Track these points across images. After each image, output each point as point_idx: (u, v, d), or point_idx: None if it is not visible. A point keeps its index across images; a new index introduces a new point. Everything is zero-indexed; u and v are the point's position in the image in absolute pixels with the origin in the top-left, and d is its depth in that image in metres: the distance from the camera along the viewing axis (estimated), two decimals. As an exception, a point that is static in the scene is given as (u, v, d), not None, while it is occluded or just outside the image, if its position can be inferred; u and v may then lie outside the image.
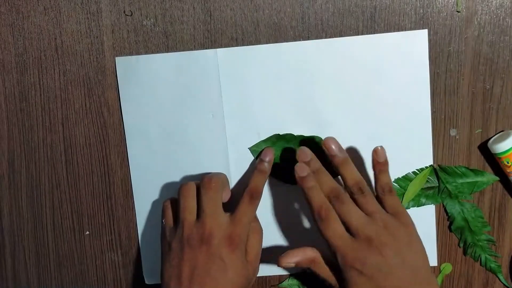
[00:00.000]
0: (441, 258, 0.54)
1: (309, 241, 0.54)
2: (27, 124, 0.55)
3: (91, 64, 0.54)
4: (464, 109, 0.52)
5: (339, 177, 0.49)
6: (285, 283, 0.55)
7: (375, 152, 0.48)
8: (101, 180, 0.56)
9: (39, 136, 0.55)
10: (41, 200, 0.56)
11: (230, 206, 0.49)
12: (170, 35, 0.53)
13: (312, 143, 0.52)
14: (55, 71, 0.54)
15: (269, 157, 0.50)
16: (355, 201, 0.47)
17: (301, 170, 0.47)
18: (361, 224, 0.45)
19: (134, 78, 0.53)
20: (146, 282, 0.56)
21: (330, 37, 0.51)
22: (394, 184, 0.53)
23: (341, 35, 0.51)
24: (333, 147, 0.48)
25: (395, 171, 0.52)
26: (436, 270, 0.54)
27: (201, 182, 0.49)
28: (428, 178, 0.52)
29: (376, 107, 0.52)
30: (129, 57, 0.53)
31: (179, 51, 0.53)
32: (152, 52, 0.53)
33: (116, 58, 0.53)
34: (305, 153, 0.49)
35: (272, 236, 0.54)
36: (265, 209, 0.54)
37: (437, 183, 0.53)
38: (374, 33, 0.51)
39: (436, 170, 0.52)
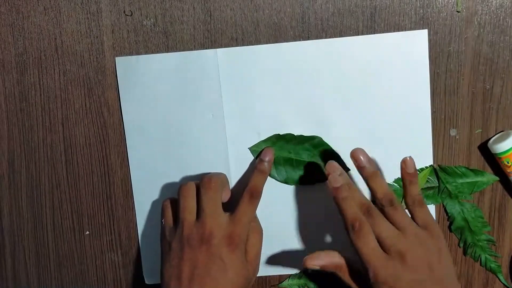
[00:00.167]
0: (441, 258, 0.54)
1: (310, 241, 0.54)
2: (27, 124, 0.55)
3: (91, 64, 0.54)
4: (464, 109, 0.52)
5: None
6: (285, 283, 0.55)
7: (404, 162, 0.47)
8: (101, 180, 0.56)
9: (39, 136, 0.55)
10: (41, 200, 0.56)
11: (230, 206, 0.49)
12: (170, 35, 0.53)
13: (312, 143, 0.52)
14: (55, 71, 0.54)
15: (269, 157, 0.50)
16: (385, 214, 0.46)
17: (335, 180, 0.46)
18: (393, 239, 0.44)
19: (134, 78, 0.53)
20: (146, 282, 0.56)
21: (330, 37, 0.51)
22: (394, 184, 0.53)
23: (341, 35, 0.51)
24: (362, 158, 0.47)
25: (395, 171, 0.52)
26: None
27: (201, 182, 0.49)
28: (428, 178, 0.52)
29: (376, 107, 0.52)
30: (129, 57, 0.53)
31: (179, 51, 0.53)
32: (152, 52, 0.53)
33: (116, 58, 0.53)
34: (334, 167, 0.48)
35: (272, 236, 0.54)
36: (264, 209, 0.54)
37: (437, 183, 0.53)
38: (374, 33, 0.51)
39: (436, 170, 0.52)
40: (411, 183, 0.47)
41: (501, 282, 0.54)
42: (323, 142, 0.52)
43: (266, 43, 0.52)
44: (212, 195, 0.48)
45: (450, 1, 0.50)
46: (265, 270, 0.55)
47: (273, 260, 0.55)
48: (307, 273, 0.55)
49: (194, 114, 0.53)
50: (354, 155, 0.47)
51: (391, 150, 0.52)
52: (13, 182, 0.56)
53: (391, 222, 0.45)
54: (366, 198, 0.47)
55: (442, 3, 0.50)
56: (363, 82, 0.51)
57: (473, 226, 0.53)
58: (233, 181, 0.54)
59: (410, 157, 0.47)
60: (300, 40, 0.52)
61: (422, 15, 0.51)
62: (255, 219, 0.52)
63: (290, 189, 0.53)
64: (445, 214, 0.53)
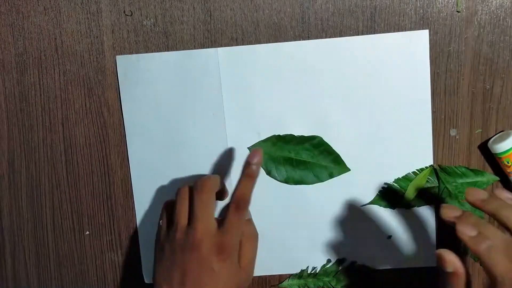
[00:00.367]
0: (441, 258, 0.54)
1: (310, 241, 0.54)
2: (27, 124, 0.55)
3: (91, 64, 0.54)
4: (464, 109, 0.52)
5: None
6: (285, 283, 0.55)
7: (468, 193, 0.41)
8: (101, 180, 0.56)
9: (39, 136, 0.55)
10: (41, 200, 0.56)
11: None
12: (170, 35, 0.53)
13: (312, 143, 0.52)
14: (55, 71, 0.54)
15: (257, 159, 0.46)
16: None
17: (466, 228, 0.39)
18: None
19: (135, 77, 0.53)
20: (146, 281, 0.56)
21: (330, 37, 0.51)
22: (394, 184, 0.53)
23: (341, 35, 0.51)
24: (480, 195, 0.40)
25: (395, 171, 0.52)
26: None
27: (194, 185, 0.48)
28: (428, 178, 0.52)
29: (376, 107, 0.52)
30: (130, 56, 0.53)
31: (179, 51, 0.53)
32: (152, 52, 0.53)
33: (116, 56, 0.53)
34: (478, 193, 0.40)
35: (272, 236, 0.54)
36: (264, 209, 0.54)
37: (437, 183, 0.53)
38: (374, 33, 0.51)
39: (436, 170, 0.52)
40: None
41: (501, 282, 0.54)
42: (323, 142, 0.52)
43: (266, 43, 0.52)
44: (204, 199, 0.47)
45: (450, 1, 0.50)
46: (265, 270, 0.55)
47: (273, 260, 0.55)
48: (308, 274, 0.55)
49: (194, 113, 0.53)
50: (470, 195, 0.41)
51: (391, 150, 0.52)
52: (13, 182, 0.56)
53: None
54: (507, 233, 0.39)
55: (442, 3, 0.50)
56: (363, 82, 0.51)
57: (473, 226, 0.53)
58: (233, 181, 0.54)
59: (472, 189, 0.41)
60: (300, 40, 0.52)
61: (422, 15, 0.51)
62: (249, 223, 0.51)
63: (290, 189, 0.53)
64: (445, 214, 0.53)
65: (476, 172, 0.52)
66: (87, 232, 0.56)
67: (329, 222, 0.54)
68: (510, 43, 0.50)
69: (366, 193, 0.53)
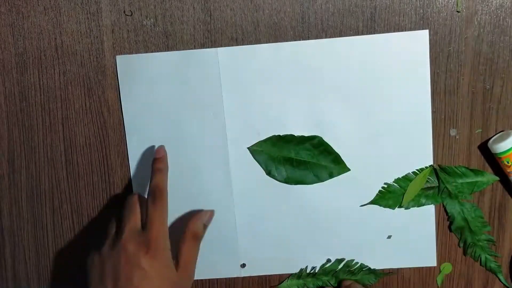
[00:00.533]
0: (441, 258, 0.54)
1: (310, 240, 0.54)
2: (27, 124, 0.55)
3: (91, 64, 0.54)
4: (464, 109, 0.52)
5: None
6: (285, 283, 0.55)
7: None
8: (101, 180, 0.56)
9: (39, 136, 0.55)
10: (41, 200, 0.56)
11: None
12: (170, 35, 0.53)
13: (312, 143, 0.52)
14: (55, 71, 0.54)
15: (161, 154, 0.51)
16: None
17: None
18: None
19: (135, 76, 0.53)
20: (146, 282, 0.56)
21: (330, 37, 0.51)
22: (394, 184, 0.53)
23: (341, 35, 0.51)
24: None
25: (395, 171, 0.52)
26: (436, 270, 0.54)
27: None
28: (428, 178, 0.52)
29: (376, 107, 0.52)
30: (130, 55, 0.53)
31: (179, 51, 0.53)
32: (152, 52, 0.53)
33: (116, 56, 0.53)
34: None
35: (272, 236, 0.54)
36: (264, 209, 0.54)
37: (437, 183, 0.53)
38: (374, 33, 0.51)
39: (436, 170, 0.52)
40: None
41: (501, 282, 0.54)
42: (323, 142, 0.52)
43: (266, 43, 0.52)
44: (130, 203, 0.49)
45: (450, 1, 0.50)
46: (265, 270, 0.55)
47: (273, 260, 0.55)
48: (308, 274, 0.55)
49: (194, 113, 0.53)
50: None
51: (391, 150, 0.52)
52: (13, 182, 0.56)
53: None
54: None
55: (442, 3, 0.50)
56: (363, 82, 0.51)
57: (473, 226, 0.53)
58: (233, 181, 0.54)
59: None
60: (300, 40, 0.52)
61: (422, 15, 0.51)
62: (192, 223, 0.50)
63: (290, 189, 0.53)
64: (445, 214, 0.53)
65: (476, 172, 0.52)
66: (87, 232, 0.56)
67: (329, 222, 0.54)
68: (510, 43, 0.50)
69: (366, 193, 0.53)
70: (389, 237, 0.53)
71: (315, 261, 0.54)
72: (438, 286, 0.54)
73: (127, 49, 0.53)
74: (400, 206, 0.53)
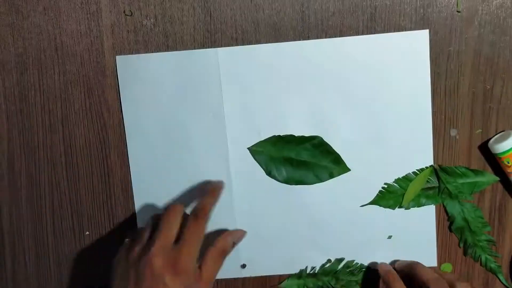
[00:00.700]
0: (441, 258, 0.54)
1: (311, 240, 0.54)
2: (27, 124, 0.55)
3: (91, 64, 0.54)
4: (464, 109, 0.52)
5: None
6: (284, 283, 0.55)
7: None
8: (101, 180, 0.56)
9: (39, 136, 0.55)
10: (41, 201, 0.56)
11: None
12: (170, 35, 0.53)
13: (313, 143, 0.52)
14: (55, 71, 0.54)
15: (222, 186, 0.52)
16: None
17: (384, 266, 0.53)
18: None
19: (135, 77, 0.53)
20: (146, 282, 0.56)
21: (330, 37, 0.51)
22: (394, 184, 0.53)
23: (341, 35, 0.51)
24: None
25: (396, 171, 0.52)
26: (436, 270, 0.54)
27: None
28: (428, 178, 0.52)
29: (377, 107, 0.52)
30: (130, 56, 0.53)
31: (179, 51, 0.53)
32: (152, 52, 0.53)
33: (116, 56, 0.53)
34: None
35: (272, 236, 0.54)
36: (264, 210, 0.54)
37: (437, 183, 0.53)
38: (374, 33, 0.51)
39: (436, 170, 0.52)
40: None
41: (501, 282, 0.54)
42: (324, 142, 0.52)
43: (266, 43, 0.52)
44: (171, 218, 0.48)
45: (450, 1, 0.50)
46: (265, 271, 0.55)
47: (273, 260, 0.55)
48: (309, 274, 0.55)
49: (194, 114, 0.53)
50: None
51: (391, 150, 0.52)
52: (13, 183, 0.56)
53: None
54: None
55: (442, 3, 0.50)
56: (363, 82, 0.51)
57: (473, 226, 0.53)
58: (233, 181, 0.54)
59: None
60: (300, 40, 0.52)
61: (422, 15, 0.51)
62: (222, 240, 0.49)
63: (290, 189, 0.53)
64: (445, 214, 0.53)
65: (476, 172, 0.52)
66: (87, 232, 0.56)
67: (329, 222, 0.54)
68: (511, 43, 0.50)
69: (366, 193, 0.53)
70: (389, 237, 0.53)
71: (315, 261, 0.54)
72: None
73: (127, 49, 0.53)
74: (400, 206, 0.53)
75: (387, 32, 0.51)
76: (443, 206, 0.53)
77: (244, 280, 0.56)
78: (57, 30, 0.54)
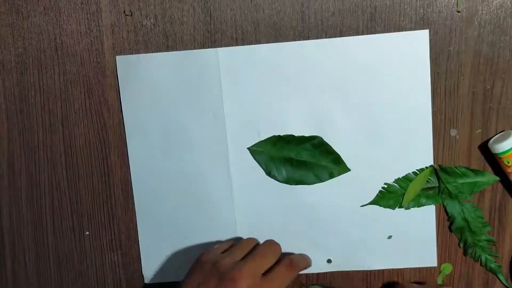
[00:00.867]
0: (441, 258, 0.54)
1: (311, 241, 0.54)
2: (27, 124, 0.55)
3: (91, 64, 0.54)
4: (464, 109, 0.52)
5: None
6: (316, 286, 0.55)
7: None
8: (101, 180, 0.56)
9: (39, 136, 0.55)
10: (41, 200, 0.56)
11: None
12: (170, 35, 0.53)
13: (313, 143, 0.52)
14: (55, 71, 0.54)
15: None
16: None
17: None
18: None
19: (135, 77, 0.53)
20: (146, 282, 0.56)
21: (330, 37, 0.51)
22: (394, 184, 0.53)
23: (341, 35, 0.51)
24: None
25: (395, 171, 0.52)
26: (436, 270, 0.54)
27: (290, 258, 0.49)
28: (428, 178, 0.52)
29: (377, 107, 0.52)
30: (130, 56, 0.53)
31: (179, 51, 0.53)
32: (152, 52, 0.53)
33: (116, 57, 0.53)
34: None
35: (272, 237, 0.54)
36: (264, 210, 0.54)
37: (437, 183, 0.52)
38: (374, 33, 0.51)
39: (436, 170, 0.52)
40: None
41: (501, 282, 0.54)
42: (324, 142, 0.52)
43: (266, 43, 0.52)
44: (265, 252, 0.49)
45: (450, 1, 0.50)
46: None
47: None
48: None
49: (194, 114, 0.53)
50: None
51: (391, 150, 0.52)
52: (13, 182, 0.56)
53: None
54: None
55: (442, 3, 0.50)
56: (363, 82, 0.51)
57: (473, 226, 0.53)
58: (233, 181, 0.54)
59: None
60: (300, 40, 0.52)
61: (422, 15, 0.51)
62: (294, 255, 0.51)
63: (290, 189, 0.53)
64: (445, 214, 0.53)
65: (476, 172, 0.52)
66: (87, 232, 0.56)
67: (329, 222, 0.54)
68: (511, 43, 0.50)
69: (366, 193, 0.53)
70: (389, 237, 0.53)
71: (316, 261, 0.54)
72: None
73: (127, 49, 0.53)
74: (400, 206, 0.53)
75: (387, 32, 0.51)
76: (443, 206, 0.53)
77: (244, 280, 0.56)
78: (57, 30, 0.54)
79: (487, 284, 0.54)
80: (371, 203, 0.53)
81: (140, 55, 0.53)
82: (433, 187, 0.53)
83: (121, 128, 0.54)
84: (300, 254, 0.53)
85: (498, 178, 0.52)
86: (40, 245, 0.57)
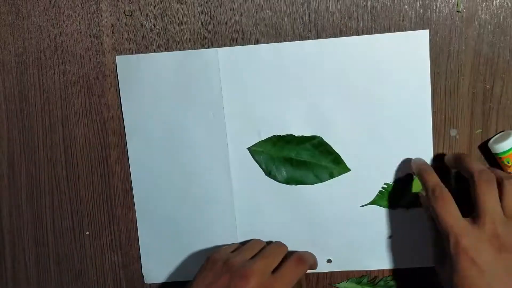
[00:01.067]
0: (441, 258, 0.54)
1: (312, 241, 0.54)
2: (27, 124, 0.55)
3: (91, 64, 0.54)
4: (464, 109, 0.52)
5: None
6: (343, 284, 0.54)
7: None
8: (101, 180, 0.56)
9: (39, 136, 0.55)
10: (41, 200, 0.56)
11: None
12: (170, 35, 0.53)
13: (313, 143, 0.52)
14: (55, 71, 0.54)
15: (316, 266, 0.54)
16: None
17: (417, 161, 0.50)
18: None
19: (135, 77, 0.53)
20: (146, 282, 0.56)
21: (330, 37, 0.51)
22: (394, 184, 0.53)
23: (341, 35, 0.51)
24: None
25: (395, 171, 0.52)
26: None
27: (298, 254, 0.50)
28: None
29: (377, 107, 0.52)
30: (130, 56, 0.53)
31: (179, 51, 0.53)
32: (152, 52, 0.53)
33: (116, 57, 0.53)
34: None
35: (272, 237, 0.54)
36: (264, 210, 0.54)
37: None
38: (374, 33, 0.51)
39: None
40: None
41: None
42: (324, 142, 0.52)
43: (266, 43, 0.52)
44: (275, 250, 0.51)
45: (450, 1, 0.50)
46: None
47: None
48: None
49: (194, 114, 0.53)
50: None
51: (391, 150, 0.52)
52: (13, 182, 0.56)
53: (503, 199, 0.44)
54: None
55: (442, 3, 0.50)
56: (363, 82, 0.51)
57: (473, 226, 0.53)
58: (233, 181, 0.54)
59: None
60: (300, 40, 0.52)
61: (422, 15, 0.51)
62: (302, 251, 0.52)
63: (290, 189, 0.53)
64: (445, 214, 0.53)
65: (476, 172, 0.52)
66: (87, 232, 0.56)
67: (329, 222, 0.54)
68: (511, 43, 0.50)
69: (366, 193, 0.53)
70: (389, 237, 0.53)
71: (315, 261, 0.54)
72: None
73: (127, 49, 0.53)
74: (400, 206, 0.53)
75: (387, 32, 0.51)
76: (443, 206, 0.53)
77: (244, 280, 0.56)
78: (57, 30, 0.54)
79: (487, 284, 0.54)
80: (371, 203, 0.53)
81: (140, 55, 0.53)
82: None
83: (121, 128, 0.54)
84: (306, 251, 0.53)
85: (498, 178, 0.52)
86: (40, 245, 0.57)
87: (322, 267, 0.54)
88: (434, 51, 0.51)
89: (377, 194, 0.53)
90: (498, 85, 0.51)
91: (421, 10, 0.51)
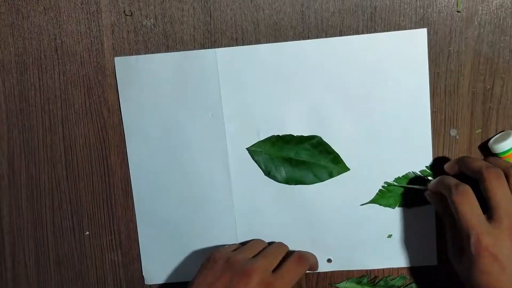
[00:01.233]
0: (441, 258, 0.54)
1: (312, 241, 0.54)
2: (27, 124, 0.55)
3: (91, 64, 0.54)
4: (464, 109, 0.52)
5: None
6: (343, 284, 0.54)
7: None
8: (101, 180, 0.56)
9: (39, 136, 0.55)
10: (41, 200, 0.56)
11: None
12: (170, 35, 0.53)
13: (312, 143, 0.52)
14: (55, 71, 0.54)
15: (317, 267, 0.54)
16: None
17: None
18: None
19: (134, 78, 0.53)
20: (146, 282, 0.56)
21: (330, 37, 0.51)
22: (394, 183, 0.53)
23: (341, 35, 0.51)
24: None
25: (395, 171, 0.52)
26: (437, 270, 0.54)
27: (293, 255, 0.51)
28: (427, 178, 0.52)
29: (376, 107, 0.52)
30: (128, 57, 0.53)
31: (179, 51, 0.53)
32: (152, 53, 0.53)
33: (115, 58, 0.53)
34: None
35: (272, 237, 0.54)
36: (264, 210, 0.54)
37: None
38: (374, 33, 0.51)
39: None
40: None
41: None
42: (323, 142, 0.52)
43: (266, 43, 0.52)
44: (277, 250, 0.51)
45: (450, 1, 0.50)
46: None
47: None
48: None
49: (193, 114, 0.53)
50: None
51: (391, 150, 0.52)
52: (13, 182, 0.56)
53: None
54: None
55: (442, 3, 0.50)
56: (363, 82, 0.51)
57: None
58: (233, 181, 0.54)
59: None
60: (300, 40, 0.52)
61: (422, 15, 0.51)
62: (303, 251, 0.53)
63: (290, 189, 0.53)
64: (445, 214, 0.53)
65: (476, 172, 0.52)
66: (87, 232, 0.56)
67: (329, 221, 0.54)
68: (511, 43, 0.50)
69: (366, 192, 0.53)
70: (389, 236, 0.53)
71: (315, 261, 0.54)
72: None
73: (127, 49, 0.53)
74: (400, 206, 0.53)
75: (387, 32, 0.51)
76: (443, 206, 0.53)
77: (244, 280, 0.56)
78: (57, 30, 0.54)
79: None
80: (371, 202, 0.53)
81: (139, 56, 0.53)
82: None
83: (121, 128, 0.55)
84: (307, 251, 0.53)
85: (498, 178, 0.52)
86: (40, 245, 0.57)
87: (322, 267, 0.54)
88: (434, 51, 0.51)
89: (377, 193, 0.53)
90: (498, 85, 0.51)
91: (421, 10, 0.51)
